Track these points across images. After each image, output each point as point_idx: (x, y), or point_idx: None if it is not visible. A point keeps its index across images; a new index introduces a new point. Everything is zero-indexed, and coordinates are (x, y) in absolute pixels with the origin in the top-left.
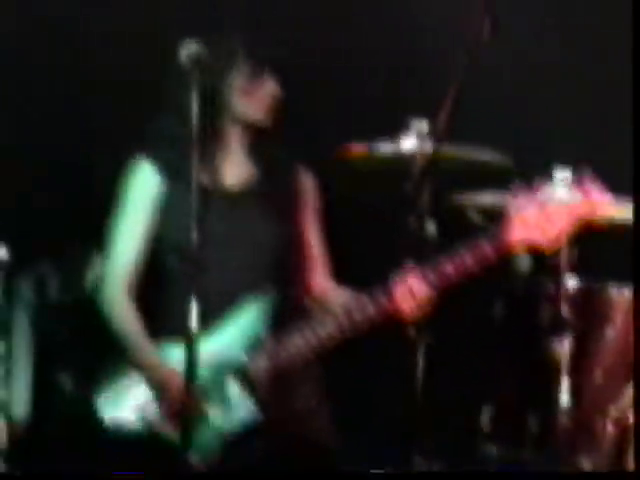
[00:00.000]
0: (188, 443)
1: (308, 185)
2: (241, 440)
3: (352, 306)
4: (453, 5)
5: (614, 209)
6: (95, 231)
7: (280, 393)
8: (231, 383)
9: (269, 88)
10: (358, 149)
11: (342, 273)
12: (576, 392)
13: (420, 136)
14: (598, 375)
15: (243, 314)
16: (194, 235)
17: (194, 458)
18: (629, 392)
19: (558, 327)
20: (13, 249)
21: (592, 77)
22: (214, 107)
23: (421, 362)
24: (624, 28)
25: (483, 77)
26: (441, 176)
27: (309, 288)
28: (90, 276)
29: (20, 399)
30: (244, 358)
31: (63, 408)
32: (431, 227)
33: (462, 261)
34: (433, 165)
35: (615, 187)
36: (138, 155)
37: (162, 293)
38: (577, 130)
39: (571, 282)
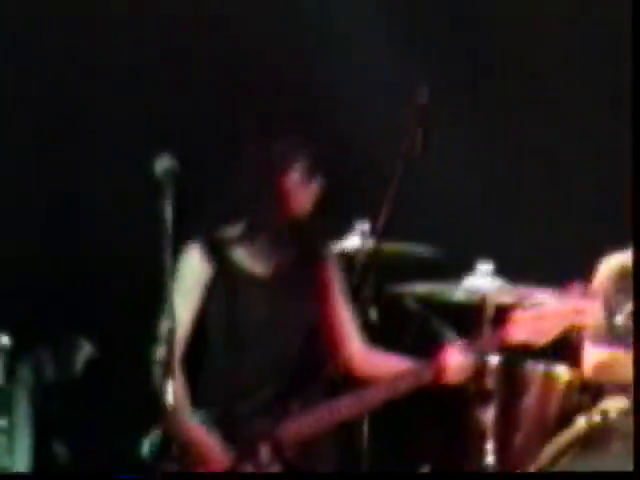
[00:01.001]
0: None
1: (333, 265)
2: None
3: (403, 373)
4: (390, 119)
5: (599, 314)
6: (84, 319)
7: (306, 457)
8: (263, 446)
9: (315, 186)
10: None
11: None
12: (501, 452)
13: (363, 235)
14: (519, 438)
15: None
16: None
17: None
18: (546, 452)
19: (484, 398)
20: (14, 336)
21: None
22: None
23: (367, 430)
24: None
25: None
26: (381, 269)
27: (349, 359)
28: (80, 359)
29: (21, 468)
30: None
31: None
32: (373, 313)
33: (492, 340)
34: (374, 260)
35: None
36: (191, 240)
37: (203, 366)
38: (498, 227)
39: (494, 359)
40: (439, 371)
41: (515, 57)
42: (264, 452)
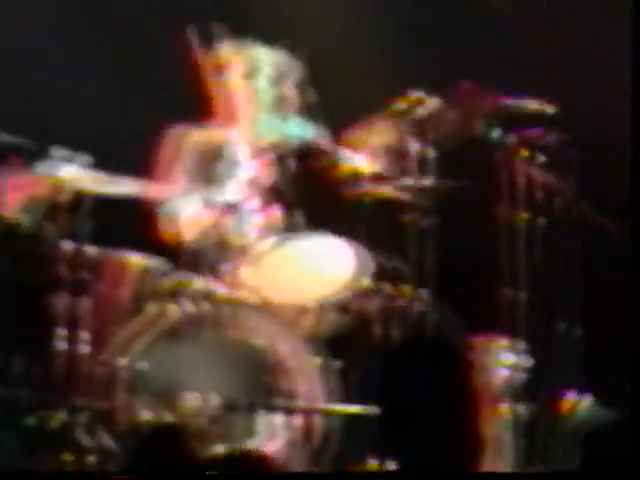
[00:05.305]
0: None
1: None
2: None
3: None
4: None
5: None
6: None
7: None
8: None
9: None
10: None
11: None
12: (72, 340)
13: None
14: (91, 325)
15: None
16: None
17: None
18: (115, 339)
19: (56, 283)
20: None
21: None
22: None
23: None
24: None
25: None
26: None
27: None
28: None
29: None
30: None
31: None
32: None
33: None
34: None
35: None
36: None
37: None
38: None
39: (67, 245)
40: None
41: None
42: None
